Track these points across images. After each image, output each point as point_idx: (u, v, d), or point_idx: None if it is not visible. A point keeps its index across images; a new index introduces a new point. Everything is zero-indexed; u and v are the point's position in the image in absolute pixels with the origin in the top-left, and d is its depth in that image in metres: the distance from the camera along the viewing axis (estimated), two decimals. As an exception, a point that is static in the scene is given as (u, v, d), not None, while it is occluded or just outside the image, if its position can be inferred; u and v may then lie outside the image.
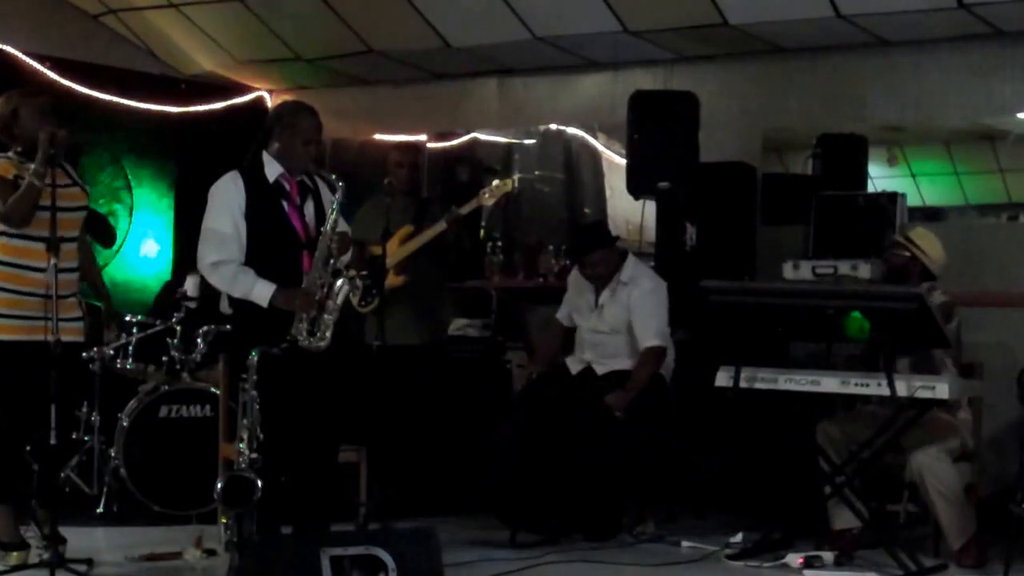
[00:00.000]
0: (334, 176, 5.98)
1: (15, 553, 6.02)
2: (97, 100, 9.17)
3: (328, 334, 5.77)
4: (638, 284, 7.18)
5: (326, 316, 5.77)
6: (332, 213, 5.86)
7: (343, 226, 5.96)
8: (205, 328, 7.50)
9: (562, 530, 6.78)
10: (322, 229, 5.85)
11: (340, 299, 5.80)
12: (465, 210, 7.34)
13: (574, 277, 7.50)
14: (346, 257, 6.04)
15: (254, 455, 5.56)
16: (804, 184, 8.08)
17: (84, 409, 7.48)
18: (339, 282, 5.82)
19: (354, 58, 9.03)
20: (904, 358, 6.45)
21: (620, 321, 7.17)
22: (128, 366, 7.51)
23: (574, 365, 7.32)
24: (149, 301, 8.91)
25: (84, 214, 6.18)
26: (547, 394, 7.15)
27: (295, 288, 5.77)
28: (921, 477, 6.30)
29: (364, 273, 6.32)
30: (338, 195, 5.88)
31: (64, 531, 6.09)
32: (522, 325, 8.74)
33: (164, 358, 7.50)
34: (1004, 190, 8.87)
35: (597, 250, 7.24)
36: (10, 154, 5.99)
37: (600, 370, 7.21)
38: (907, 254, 6.71)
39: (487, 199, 7.37)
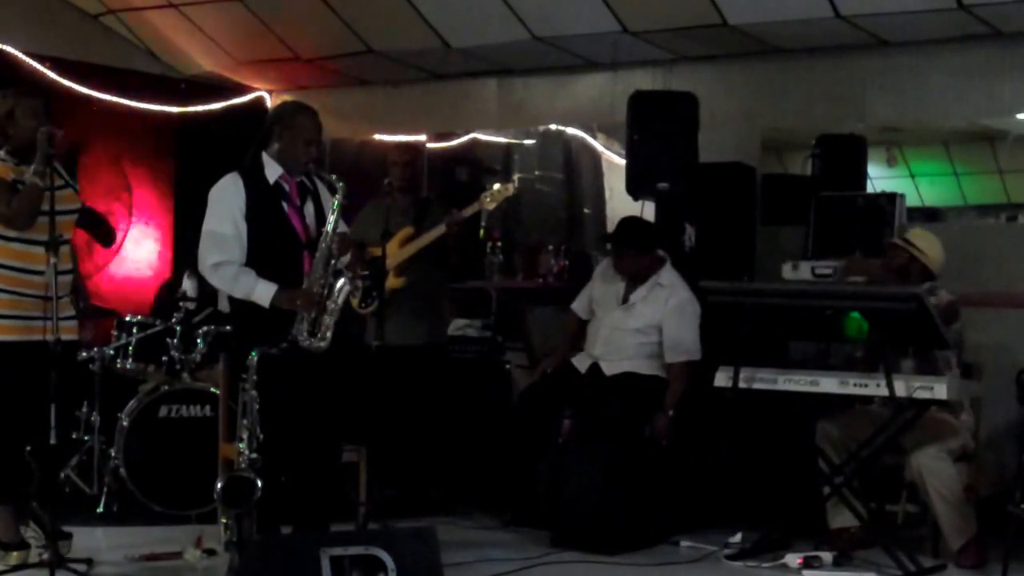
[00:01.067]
0: (334, 177, 5.98)
1: (15, 553, 6.02)
2: (97, 100, 9.15)
3: (328, 334, 5.77)
4: (677, 292, 7.23)
5: (326, 317, 5.78)
6: (333, 214, 5.86)
7: (342, 227, 5.95)
8: (205, 328, 7.49)
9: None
10: (323, 230, 5.85)
11: (341, 300, 5.80)
12: (467, 213, 7.34)
13: (604, 267, 7.52)
14: (345, 258, 6.04)
15: (254, 455, 5.58)
16: (803, 184, 8.07)
17: (84, 409, 7.48)
18: (340, 283, 5.82)
19: (354, 58, 9.01)
20: (908, 360, 6.44)
21: (650, 322, 7.20)
22: (128, 366, 7.50)
23: (581, 362, 7.33)
24: (149, 301, 8.90)
25: (76, 216, 6.16)
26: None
27: (296, 289, 5.78)
28: (921, 477, 6.30)
29: (365, 274, 6.32)
30: (338, 196, 5.87)
31: (63, 528, 6.11)
32: (522, 325, 8.74)
33: (164, 358, 7.49)
34: (1003, 191, 8.89)
35: (630, 250, 7.28)
36: (2, 154, 5.96)
37: (608, 370, 7.23)
38: (906, 255, 6.71)
39: (488, 203, 7.37)
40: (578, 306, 7.58)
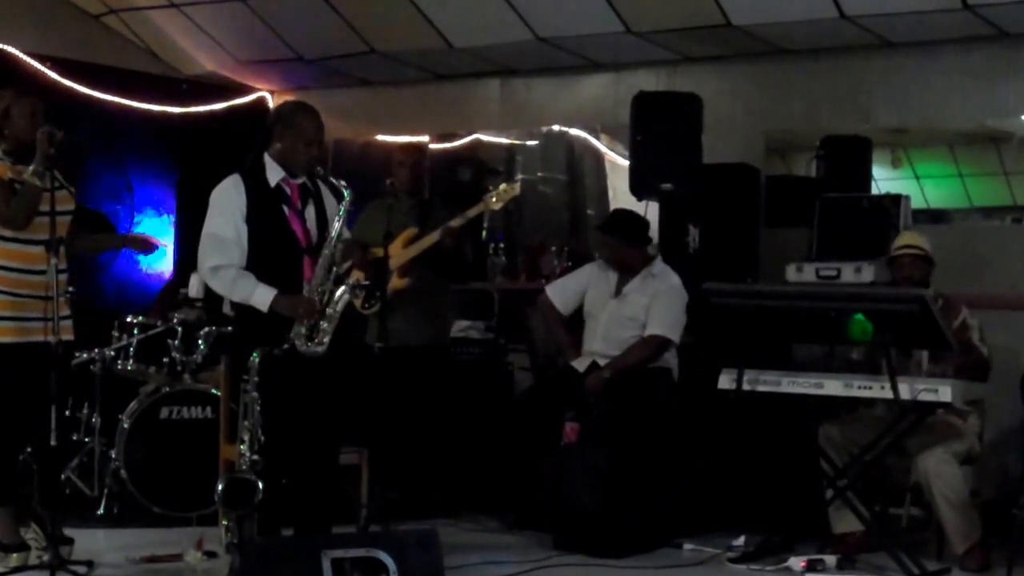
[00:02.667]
0: (343, 182, 5.92)
1: (15, 555, 6.01)
2: (98, 100, 9.15)
3: (326, 340, 5.74)
4: (666, 279, 7.26)
5: (324, 323, 5.75)
6: (338, 220, 5.83)
7: (345, 232, 5.93)
8: (206, 329, 7.47)
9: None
10: (327, 235, 5.83)
11: (340, 306, 5.78)
12: (471, 214, 7.30)
13: (598, 265, 7.50)
14: (346, 264, 5.99)
15: (255, 457, 5.56)
16: (807, 186, 8.05)
17: (85, 410, 7.45)
18: (340, 290, 5.80)
19: (356, 59, 9.01)
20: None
21: (642, 311, 7.19)
22: (129, 367, 7.47)
23: (581, 363, 7.29)
24: (150, 301, 8.88)
25: (71, 216, 6.14)
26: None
27: (296, 295, 5.75)
28: (927, 480, 6.27)
29: (367, 284, 6.30)
30: (345, 202, 5.85)
31: (64, 532, 6.09)
32: (524, 327, 8.69)
33: (165, 359, 7.46)
34: (1008, 192, 8.85)
35: (614, 238, 7.30)
36: None
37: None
38: (920, 263, 6.65)
39: (494, 203, 7.31)
40: (555, 294, 7.54)
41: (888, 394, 6.01)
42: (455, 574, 5.84)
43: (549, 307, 7.55)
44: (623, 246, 7.31)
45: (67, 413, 7.32)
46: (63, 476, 7.26)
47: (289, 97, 9.59)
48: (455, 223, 7.22)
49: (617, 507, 6.67)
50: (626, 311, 7.25)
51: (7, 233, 5.90)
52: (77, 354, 7.13)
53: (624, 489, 6.73)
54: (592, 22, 7.97)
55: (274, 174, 5.88)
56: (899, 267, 6.73)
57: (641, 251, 7.33)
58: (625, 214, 7.58)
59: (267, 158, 5.91)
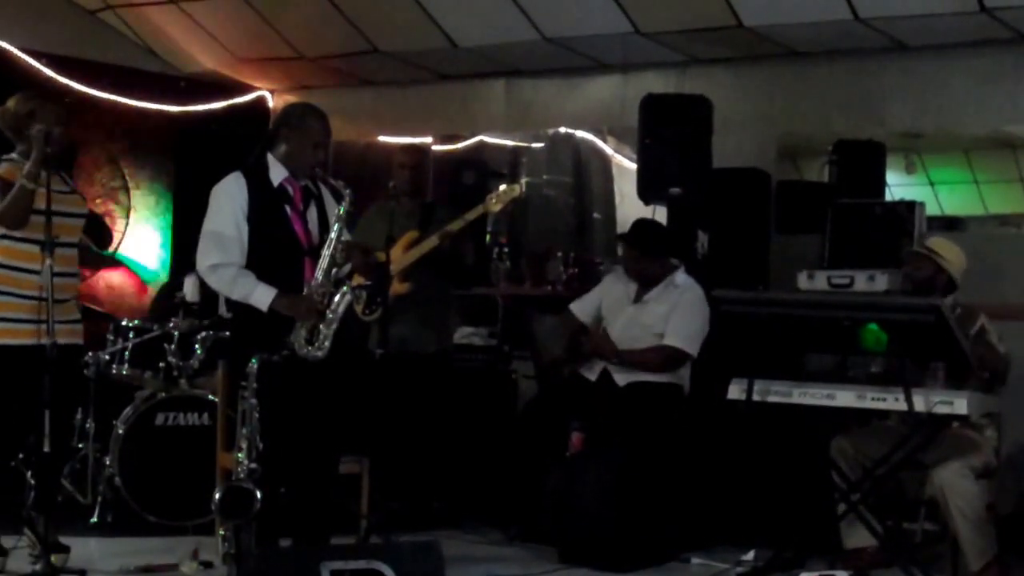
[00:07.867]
0: (341, 183, 5.89)
1: (-6, 562, 5.99)
2: (94, 98, 9.13)
3: (326, 344, 5.70)
4: (688, 290, 7.20)
5: (324, 326, 5.69)
6: (338, 221, 5.79)
7: (345, 234, 5.89)
8: (203, 334, 7.37)
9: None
10: (327, 237, 5.78)
11: (341, 310, 5.73)
12: (471, 216, 7.21)
13: (612, 277, 7.46)
14: (347, 267, 5.96)
15: (253, 465, 5.50)
16: (820, 192, 8.05)
17: (79, 416, 7.37)
18: (340, 292, 5.74)
19: (359, 58, 8.96)
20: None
21: (661, 320, 7.13)
22: (124, 372, 7.38)
23: (591, 370, 7.21)
24: (146, 305, 8.81)
25: (84, 221, 6.14)
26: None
27: (296, 295, 5.70)
28: (943, 494, 6.16)
29: (367, 284, 6.23)
30: (344, 203, 5.81)
31: (60, 540, 6.05)
32: (529, 334, 8.63)
33: (161, 364, 7.37)
34: (1025, 200, 8.87)
35: (638, 252, 7.24)
36: (14, 155, 5.96)
37: (620, 379, 7.13)
38: (931, 266, 6.57)
39: (494, 205, 7.25)
40: (579, 308, 7.49)
41: (902, 406, 5.91)
42: (457, 587, 5.76)
43: (571, 319, 7.48)
44: (643, 258, 7.23)
45: (76, 420, 7.30)
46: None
47: (289, 96, 9.61)
48: (453, 226, 7.14)
49: (624, 520, 6.60)
50: (644, 318, 7.19)
51: (16, 233, 5.87)
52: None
53: (632, 501, 6.66)
54: (600, 22, 7.91)
55: (277, 174, 5.85)
56: (911, 264, 6.69)
57: (662, 262, 7.26)
58: (647, 225, 7.54)
59: (271, 158, 5.88)
